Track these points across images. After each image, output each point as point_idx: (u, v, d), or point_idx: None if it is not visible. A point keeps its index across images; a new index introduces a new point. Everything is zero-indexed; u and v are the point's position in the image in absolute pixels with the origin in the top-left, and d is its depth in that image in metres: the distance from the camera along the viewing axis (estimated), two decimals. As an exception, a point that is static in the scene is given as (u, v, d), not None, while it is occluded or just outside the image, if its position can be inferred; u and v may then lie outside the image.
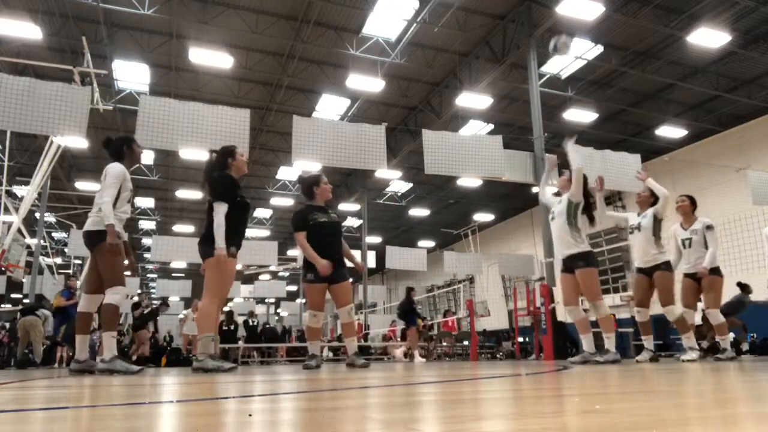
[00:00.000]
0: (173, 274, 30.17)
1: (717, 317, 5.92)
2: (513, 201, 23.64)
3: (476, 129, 17.71)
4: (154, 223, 26.54)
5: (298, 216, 5.25)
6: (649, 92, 16.06)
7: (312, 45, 13.58)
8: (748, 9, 12.30)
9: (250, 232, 24.47)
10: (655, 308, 5.97)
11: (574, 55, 14.13)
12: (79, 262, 20.87)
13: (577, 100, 15.88)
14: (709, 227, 5.94)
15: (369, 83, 13.92)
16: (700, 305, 6.40)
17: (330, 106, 16.68)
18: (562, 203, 5.48)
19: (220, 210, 4.37)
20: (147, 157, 18.71)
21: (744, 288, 9.17)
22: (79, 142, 11.40)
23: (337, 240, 5.27)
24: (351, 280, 5.56)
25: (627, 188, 10.41)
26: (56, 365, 11.01)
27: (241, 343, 14.47)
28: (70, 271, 21.57)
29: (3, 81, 6.77)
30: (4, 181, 13.46)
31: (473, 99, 14.25)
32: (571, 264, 5.38)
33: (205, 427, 1.07)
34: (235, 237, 4.48)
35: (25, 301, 16.57)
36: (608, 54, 14.00)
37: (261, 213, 25.52)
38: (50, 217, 22.36)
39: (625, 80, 15.28)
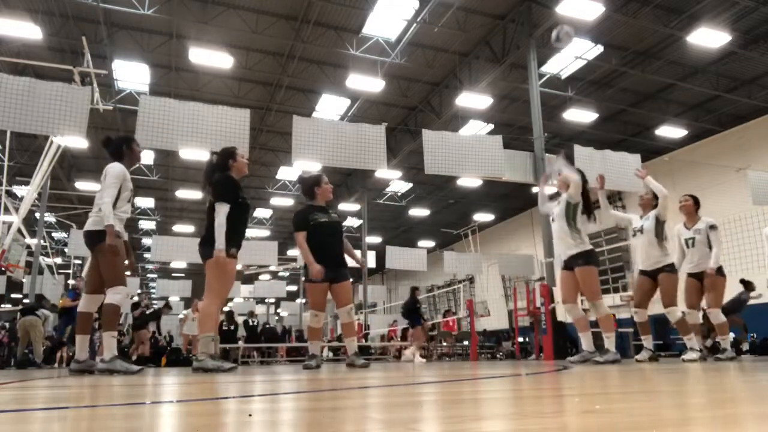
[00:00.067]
0: (173, 274, 30.17)
1: (718, 317, 5.93)
2: (513, 201, 23.63)
3: (476, 129, 17.70)
4: (154, 223, 26.53)
5: (299, 216, 5.26)
6: (649, 92, 16.06)
7: (312, 45, 13.58)
8: (748, 9, 12.30)
9: (250, 233, 24.46)
10: (656, 308, 5.97)
11: (575, 55, 14.13)
12: (79, 262, 20.86)
13: (577, 100, 15.87)
14: (712, 227, 5.92)
15: (369, 83, 13.92)
16: (703, 304, 6.40)
17: (330, 106, 16.67)
18: (560, 205, 5.49)
19: (222, 211, 4.38)
20: (147, 157, 18.70)
21: (747, 285, 9.18)
22: (79, 142, 11.41)
23: (337, 240, 5.28)
24: (351, 280, 5.55)
25: (627, 188, 10.42)
26: (57, 365, 11.01)
27: (241, 343, 14.48)
28: (70, 271, 21.60)
29: (3, 81, 6.77)
30: (4, 181, 13.47)
31: (473, 99, 14.25)
32: (571, 262, 5.38)
33: (205, 427, 1.07)
34: (235, 238, 4.49)
35: (25, 301, 16.57)
36: (608, 54, 13.99)
37: (261, 213, 25.51)
38: (50, 217, 22.36)
39: (625, 80, 15.28)
